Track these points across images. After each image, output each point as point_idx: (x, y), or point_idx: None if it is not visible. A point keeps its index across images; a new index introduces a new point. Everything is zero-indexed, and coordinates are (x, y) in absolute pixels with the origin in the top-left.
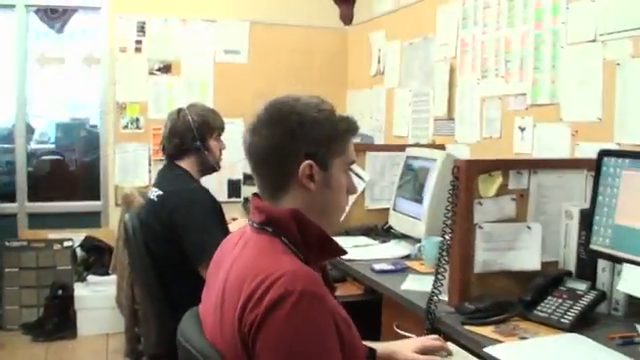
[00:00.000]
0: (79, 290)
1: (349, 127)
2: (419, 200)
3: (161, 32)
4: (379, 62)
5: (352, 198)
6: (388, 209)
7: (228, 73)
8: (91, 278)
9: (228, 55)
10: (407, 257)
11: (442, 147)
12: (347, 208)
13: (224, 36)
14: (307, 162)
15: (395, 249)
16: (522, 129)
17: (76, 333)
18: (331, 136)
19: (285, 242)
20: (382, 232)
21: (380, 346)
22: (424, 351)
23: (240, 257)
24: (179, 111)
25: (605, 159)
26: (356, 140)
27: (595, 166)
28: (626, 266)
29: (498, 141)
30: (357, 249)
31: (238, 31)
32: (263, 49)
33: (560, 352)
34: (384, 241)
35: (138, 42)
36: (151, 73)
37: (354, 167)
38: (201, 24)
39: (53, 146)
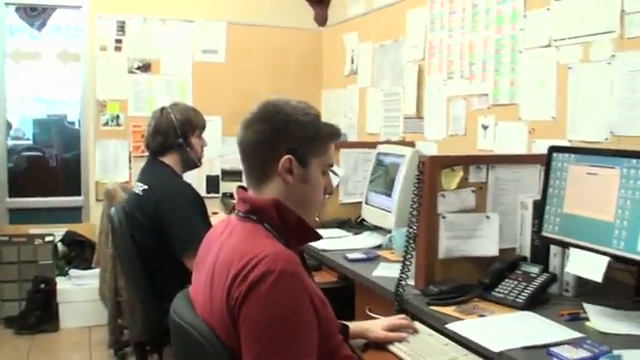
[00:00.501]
0: (61, 284)
1: (331, 132)
2: (389, 194)
3: (140, 32)
4: (352, 62)
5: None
6: (361, 203)
7: (206, 72)
8: (73, 272)
9: (206, 55)
10: (379, 247)
11: (412, 144)
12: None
13: (202, 36)
14: (287, 157)
15: (367, 240)
16: (485, 127)
17: (58, 326)
18: (312, 137)
19: (267, 228)
20: (355, 224)
21: (354, 325)
22: (393, 329)
23: (227, 242)
24: (162, 110)
25: (554, 154)
26: None
27: (546, 161)
28: (573, 250)
29: (463, 138)
30: (332, 240)
31: (216, 31)
32: (240, 49)
33: (513, 327)
34: (357, 233)
35: (118, 41)
36: (131, 72)
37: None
38: (180, 24)
39: (30, 142)
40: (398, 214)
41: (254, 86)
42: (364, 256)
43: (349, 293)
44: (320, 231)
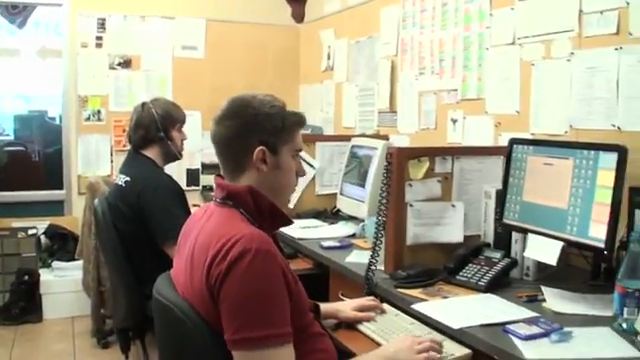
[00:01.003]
0: (44, 275)
1: (297, 121)
2: (362, 185)
3: (121, 28)
4: (329, 58)
5: (303, 182)
6: (336, 194)
7: (186, 68)
8: (56, 264)
9: (185, 51)
10: (353, 236)
11: (386, 137)
12: (297, 189)
13: (181, 32)
14: (260, 148)
15: (342, 229)
16: (454, 121)
17: (42, 317)
18: (281, 127)
19: (243, 213)
20: (331, 215)
21: (325, 306)
22: (362, 309)
23: (206, 226)
24: (144, 105)
25: (514, 146)
26: (306, 131)
27: (506, 152)
28: (531, 236)
29: (434, 132)
30: (308, 230)
31: (195, 28)
32: (219, 45)
33: (473, 307)
34: (332, 222)
35: (99, 38)
36: (112, 67)
37: (304, 155)
38: (159, 21)
39: (11, 138)
40: (370, 204)
41: (233, 81)
42: (338, 244)
43: (324, 279)
44: (297, 221)
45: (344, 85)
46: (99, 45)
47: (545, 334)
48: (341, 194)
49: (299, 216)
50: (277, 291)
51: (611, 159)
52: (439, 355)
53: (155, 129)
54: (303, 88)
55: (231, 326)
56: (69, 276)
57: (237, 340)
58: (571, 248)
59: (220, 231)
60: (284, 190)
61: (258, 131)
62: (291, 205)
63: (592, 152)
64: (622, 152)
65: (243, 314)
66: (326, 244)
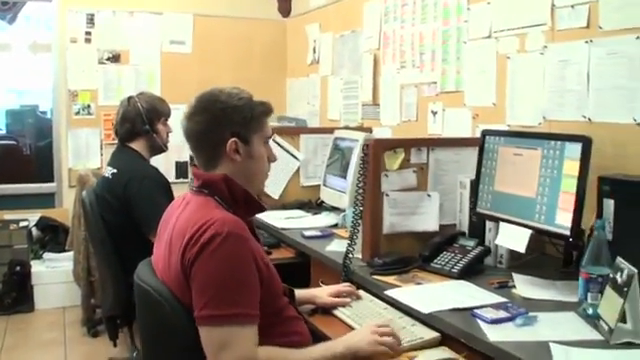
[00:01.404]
0: (36, 267)
1: (265, 110)
2: (344, 176)
3: (109, 24)
4: (314, 52)
5: (288, 174)
6: (320, 185)
7: (174, 62)
8: (47, 255)
9: (173, 45)
10: (335, 226)
11: (369, 130)
12: (283, 181)
13: (169, 28)
14: (232, 140)
15: (325, 219)
16: (434, 113)
17: (33, 307)
18: (250, 118)
19: (218, 200)
20: (315, 206)
21: (303, 292)
22: (338, 295)
23: (183, 213)
24: (129, 99)
25: (487, 137)
26: (290, 124)
27: (479, 143)
28: (502, 224)
29: (415, 124)
30: (291, 220)
31: (182, 23)
32: (206, 40)
33: (445, 293)
34: (316, 213)
35: (88, 33)
36: (101, 62)
37: (288, 147)
38: (147, 16)
39: (3, 132)
40: (351, 194)
41: (220, 75)
42: (319, 234)
43: (305, 268)
44: (281, 212)
45: (329, 78)
46: (88, 40)
47: (510, 318)
48: (324, 185)
49: (284, 207)
50: (246, 274)
51: (576, 149)
52: (399, 344)
53: (141, 122)
54: (290, 81)
55: (199, 303)
56: (60, 267)
57: (203, 316)
58: (547, 238)
59: (195, 217)
60: (258, 177)
61: (228, 124)
62: (276, 196)
63: (558, 142)
64: (586, 142)
65: (210, 292)
66: (308, 233)
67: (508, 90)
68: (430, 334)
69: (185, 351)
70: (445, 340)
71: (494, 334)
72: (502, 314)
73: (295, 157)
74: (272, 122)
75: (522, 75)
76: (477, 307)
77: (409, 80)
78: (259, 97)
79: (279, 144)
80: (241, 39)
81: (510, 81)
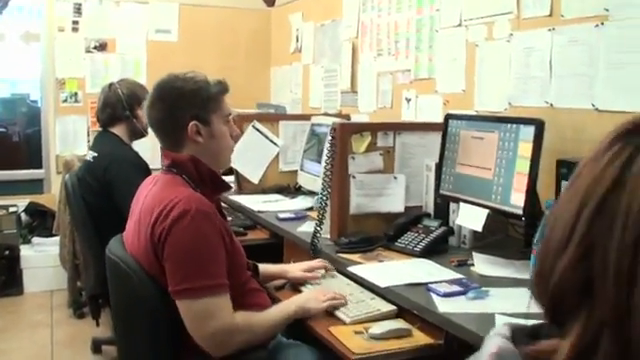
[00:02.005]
0: (25, 251)
1: (220, 89)
2: (320, 161)
3: (96, 13)
4: (297, 41)
5: (267, 160)
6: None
7: (160, 51)
8: (35, 240)
9: (159, 34)
10: (310, 209)
11: (347, 117)
12: (262, 166)
13: (155, 16)
14: (193, 123)
15: (301, 203)
16: (408, 100)
17: (22, 290)
18: (207, 99)
19: (185, 179)
20: (293, 190)
21: (276, 267)
22: (310, 270)
23: (151, 191)
24: (110, 85)
25: (450, 121)
26: (270, 111)
27: (443, 127)
28: (462, 205)
29: (390, 110)
30: (268, 203)
31: (168, 12)
32: (192, 29)
33: (404, 269)
34: (293, 197)
35: (75, 22)
36: (88, 51)
37: (268, 134)
38: (133, 5)
39: None
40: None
41: (206, 64)
42: (293, 215)
43: (279, 248)
44: (260, 196)
45: (311, 67)
46: (75, 29)
47: (463, 292)
48: (301, 170)
49: (263, 191)
50: (214, 247)
51: (529, 132)
52: (342, 302)
53: (121, 108)
54: (274, 70)
55: (174, 279)
56: (48, 251)
57: (179, 290)
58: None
59: (163, 194)
60: (222, 154)
61: (187, 108)
62: (255, 181)
63: (514, 125)
64: (539, 125)
65: (184, 268)
66: (282, 216)
67: (477, 77)
68: (387, 307)
69: (153, 321)
70: (401, 313)
71: (445, 306)
72: (455, 288)
73: (274, 143)
74: (252, 109)
75: (490, 62)
76: (433, 282)
77: (385, 68)
78: (245, 85)
79: (259, 130)
80: (226, 28)
81: (478, 68)
